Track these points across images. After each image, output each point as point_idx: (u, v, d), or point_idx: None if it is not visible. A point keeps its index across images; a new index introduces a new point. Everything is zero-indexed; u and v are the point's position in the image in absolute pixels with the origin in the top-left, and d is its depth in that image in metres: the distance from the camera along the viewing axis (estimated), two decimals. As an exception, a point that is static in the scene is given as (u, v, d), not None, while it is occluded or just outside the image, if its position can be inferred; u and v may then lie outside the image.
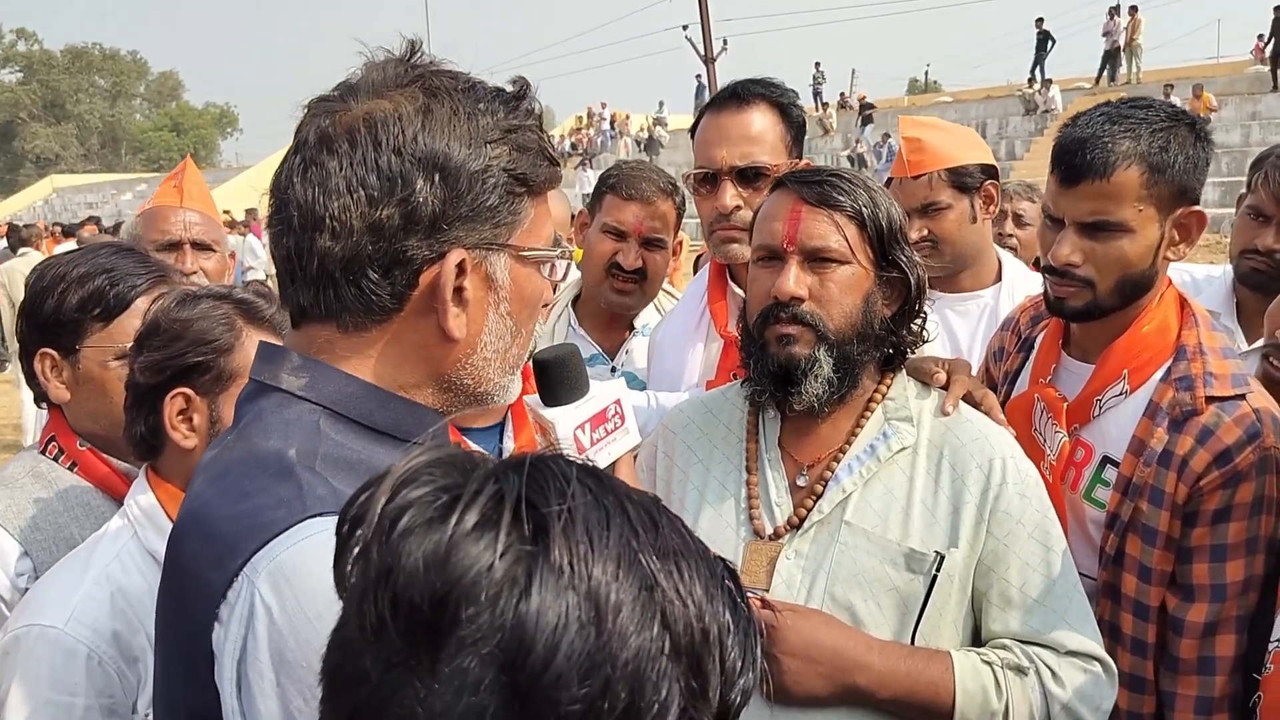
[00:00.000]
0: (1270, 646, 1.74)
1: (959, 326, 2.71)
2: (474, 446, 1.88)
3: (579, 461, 0.79)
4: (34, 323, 1.99)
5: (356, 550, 0.74)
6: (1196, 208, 1.89)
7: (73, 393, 1.98)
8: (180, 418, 1.69)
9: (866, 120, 30.57)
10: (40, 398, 2.05)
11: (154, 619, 1.59)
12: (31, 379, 2.02)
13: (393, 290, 1.12)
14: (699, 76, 35.94)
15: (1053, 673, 1.64)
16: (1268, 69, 25.99)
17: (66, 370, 1.98)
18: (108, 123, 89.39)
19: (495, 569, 0.69)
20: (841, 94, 38.70)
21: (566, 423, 1.53)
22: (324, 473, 1.08)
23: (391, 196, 1.09)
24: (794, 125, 2.43)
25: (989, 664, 1.63)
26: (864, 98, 34.27)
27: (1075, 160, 1.84)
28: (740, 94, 2.39)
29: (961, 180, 2.65)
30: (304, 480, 1.06)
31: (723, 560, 0.80)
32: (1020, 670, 1.63)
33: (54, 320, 1.96)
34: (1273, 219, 2.54)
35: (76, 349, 1.96)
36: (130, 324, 1.93)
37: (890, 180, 2.76)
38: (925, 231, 2.64)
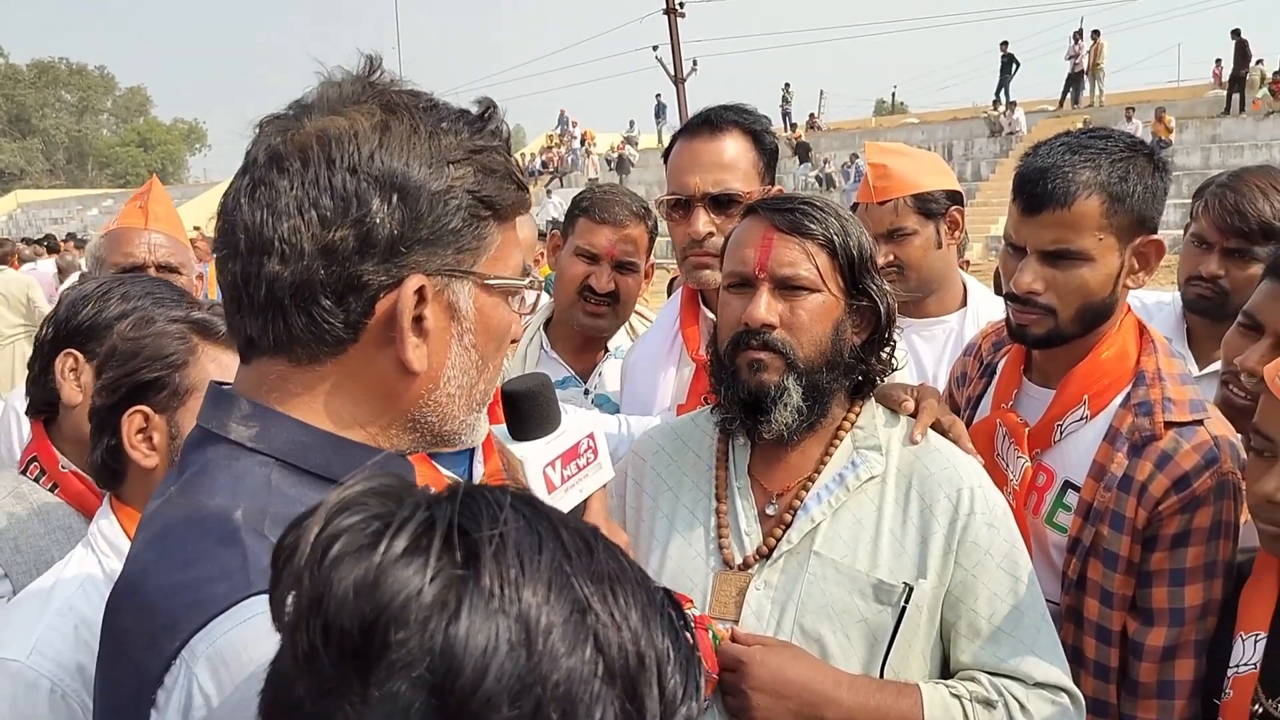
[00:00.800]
0: (1229, 672, 1.77)
1: (924, 351, 2.74)
2: (446, 473, 1.88)
3: (514, 490, 0.78)
4: (64, 328, 2.00)
5: (290, 580, 0.72)
6: (1155, 236, 1.93)
7: (85, 399, 1.95)
8: (139, 436, 1.66)
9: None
10: (34, 407, 2.03)
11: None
12: (34, 384, 2.02)
13: (347, 319, 1.04)
14: (658, 96, 36.00)
15: (1020, 705, 1.64)
16: (1225, 92, 26.44)
17: (86, 374, 1.96)
18: (74, 138, 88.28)
19: (425, 593, 0.68)
20: (810, 115, 39.01)
21: (536, 460, 1.48)
22: (272, 536, 0.97)
23: (346, 217, 1.02)
24: (766, 152, 2.45)
25: (958, 697, 1.64)
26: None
27: (1036, 189, 1.87)
28: (713, 121, 2.41)
29: (927, 206, 2.68)
30: (249, 548, 0.98)
31: (664, 590, 0.80)
32: (988, 703, 1.64)
33: (88, 325, 1.98)
34: (1215, 246, 2.59)
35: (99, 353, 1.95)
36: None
37: (856, 205, 2.80)
38: (891, 257, 2.67)
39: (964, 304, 2.82)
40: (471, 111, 1.12)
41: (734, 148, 2.39)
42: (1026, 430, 2.01)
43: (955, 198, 2.75)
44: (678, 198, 2.41)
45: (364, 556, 0.70)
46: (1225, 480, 1.83)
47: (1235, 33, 25.94)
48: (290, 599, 0.72)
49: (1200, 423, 1.87)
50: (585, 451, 1.51)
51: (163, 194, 3.03)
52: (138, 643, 0.99)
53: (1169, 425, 1.87)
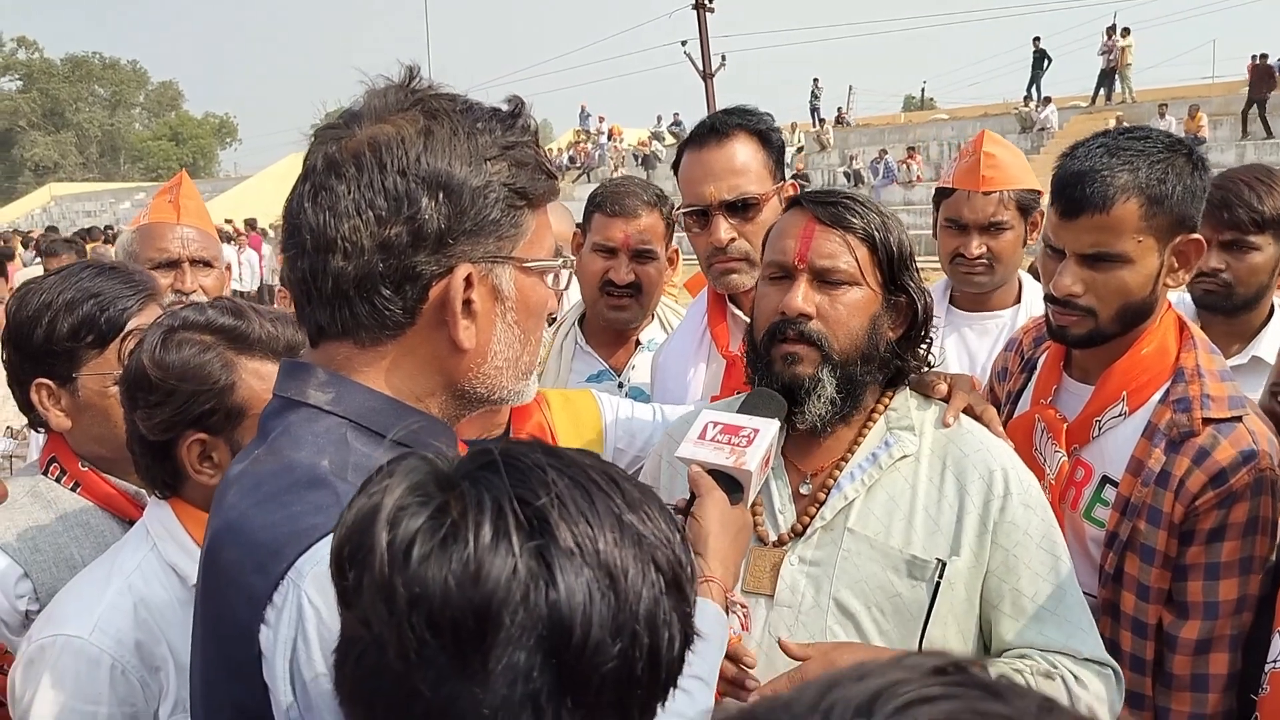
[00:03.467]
0: (1267, 668, 1.77)
1: (976, 345, 2.76)
2: None
3: (536, 444, 0.87)
4: (24, 352, 1.94)
5: (374, 586, 0.79)
6: (1195, 235, 1.92)
7: (74, 420, 1.95)
8: (200, 460, 1.68)
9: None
10: (37, 423, 2.01)
11: (175, 627, 1.63)
12: (27, 408, 1.98)
13: (404, 305, 1.17)
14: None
15: (1075, 677, 1.66)
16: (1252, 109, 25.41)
17: (65, 398, 1.94)
18: (107, 132, 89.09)
19: (519, 570, 0.77)
20: (839, 110, 38.85)
21: (710, 414, 1.69)
22: (355, 482, 1.10)
23: (399, 215, 1.14)
24: (775, 150, 2.46)
25: (1019, 672, 1.65)
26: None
27: (1075, 194, 1.86)
28: (718, 127, 2.41)
29: (1025, 203, 2.71)
30: (339, 489, 1.10)
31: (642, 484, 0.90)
32: (1048, 676, 1.65)
33: (45, 350, 1.92)
34: (1211, 241, 2.59)
35: (74, 377, 1.93)
36: (126, 348, 1.89)
37: (945, 190, 2.78)
38: (985, 249, 2.69)
39: (1018, 300, 2.83)
40: (503, 110, 1.23)
41: (743, 152, 2.40)
42: (1065, 426, 2.02)
43: (1040, 198, 2.76)
44: (695, 208, 2.42)
45: (450, 549, 0.77)
46: (1263, 476, 1.84)
47: (1256, 57, 25.28)
48: (380, 604, 0.78)
49: (1239, 419, 1.87)
50: (742, 436, 1.63)
51: (192, 188, 3.02)
52: (245, 569, 1.10)
53: (1207, 422, 1.87)
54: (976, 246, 2.69)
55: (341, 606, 0.83)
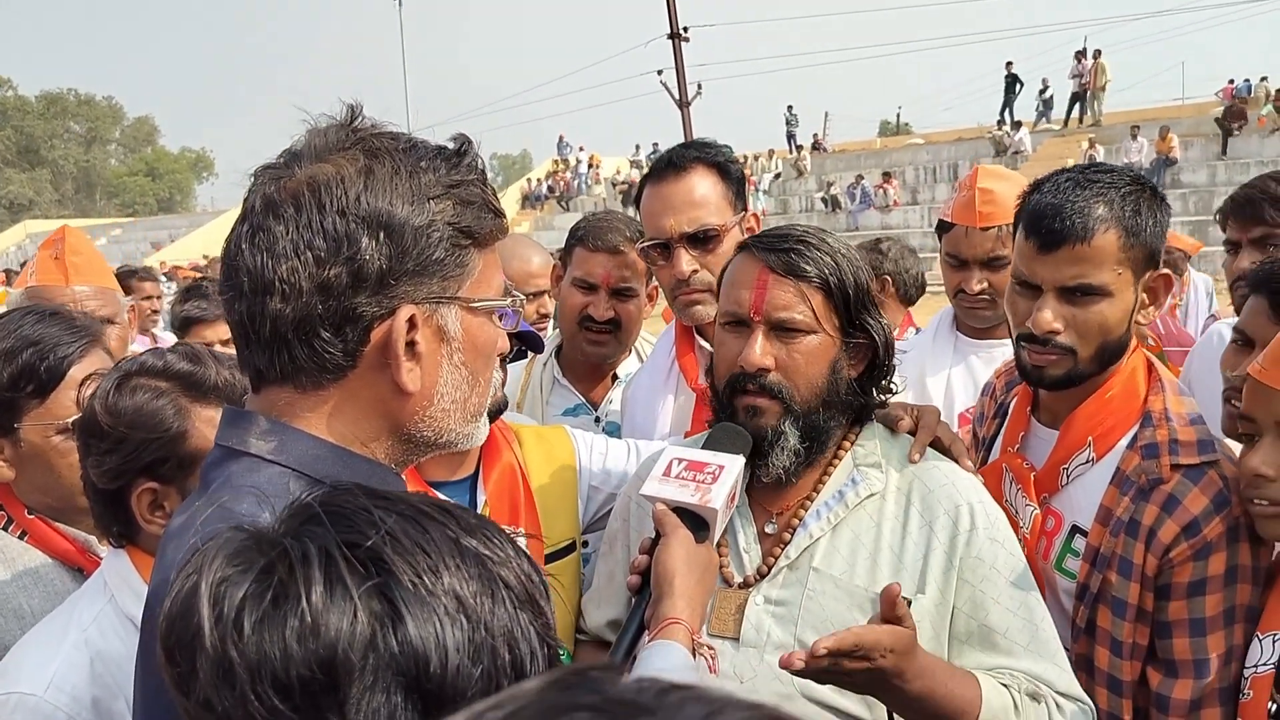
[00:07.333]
0: (1247, 672, 1.73)
1: (983, 373, 2.73)
2: (442, 498, 1.87)
3: (353, 486, 0.86)
4: None
5: (211, 663, 0.75)
6: (1163, 271, 1.89)
7: (17, 470, 1.92)
8: (151, 509, 1.65)
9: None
10: None
11: (134, 685, 1.58)
12: None
13: (345, 348, 1.14)
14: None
15: (1057, 703, 1.63)
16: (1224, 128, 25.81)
17: (8, 448, 1.92)
18: (82, 168, 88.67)
19: (359, 613, 0.74)
20: (815, 136, 39.07)
21: (674, 450, 1.67)
22: None
23: (338, 256, 1.11)
24: (734, 181, 2.47)
25: (1006, 686, 1.61)
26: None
27: (1054, 225, 1.81)
28: (677, 161, 2.43)
29: None
30: None
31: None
32: (1034, 696, 1.62)
33: None
34: (1241, 240, 2.64)
35: (15, 427, 1.90)
36: (68, 396, 1.87)
37: (946, 225, 2.77)
38: (985, 284, 2.67)
39: None
40: (448, 148, 1.20)
41: (702, 184, 2.41)
42: (1033, 475, 1.97)
43: None
44: (657, 241, 2.43)
45: (284, 608, 0.74)
46: (1238, 524, 1.78)
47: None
48: (220, 682, 0.75)
49: (1210, 465, 1.81)
50: (707, 473, 1.61)
51: (79, 243, 2.85)
52: None
53: (1176, 468, 1.81)
54: (977, 282, 2.68)
55: (179, 696, 0.79)
